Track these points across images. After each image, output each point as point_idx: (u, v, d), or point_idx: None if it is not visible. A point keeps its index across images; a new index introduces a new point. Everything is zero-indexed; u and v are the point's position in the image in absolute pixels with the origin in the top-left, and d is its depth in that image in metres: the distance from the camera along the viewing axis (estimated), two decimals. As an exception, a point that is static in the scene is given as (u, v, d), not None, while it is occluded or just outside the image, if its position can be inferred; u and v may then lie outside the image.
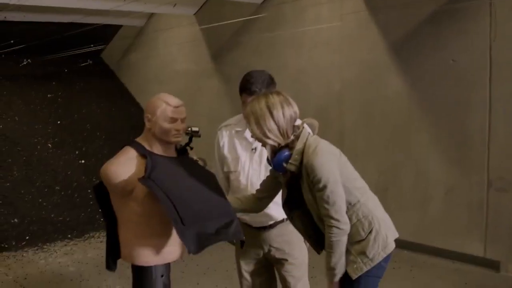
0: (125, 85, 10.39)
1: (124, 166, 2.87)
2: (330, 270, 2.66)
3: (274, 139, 2.64)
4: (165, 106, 2.92)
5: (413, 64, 5.84)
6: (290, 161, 2.63)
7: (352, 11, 6.31)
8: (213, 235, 2.77)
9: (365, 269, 2.66)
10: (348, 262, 2.68)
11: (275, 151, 2.69)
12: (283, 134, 2.64)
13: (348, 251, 2.67)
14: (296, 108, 2.67)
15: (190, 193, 2.83)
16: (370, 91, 6.26)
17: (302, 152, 2.62)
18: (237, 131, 3.35)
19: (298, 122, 2.75)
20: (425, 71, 5.73)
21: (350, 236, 2.65)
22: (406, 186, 6.01)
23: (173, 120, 2.92)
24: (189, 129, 3.09)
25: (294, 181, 2.74)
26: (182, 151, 3.14)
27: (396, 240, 6.06)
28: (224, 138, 3.40)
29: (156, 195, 2.70)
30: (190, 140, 3.17)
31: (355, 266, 2.66)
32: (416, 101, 5.85)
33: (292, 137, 2.65)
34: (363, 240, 2.66)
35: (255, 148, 3.27)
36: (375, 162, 6.23)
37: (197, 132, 3.13)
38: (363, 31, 6.27)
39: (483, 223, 5.36)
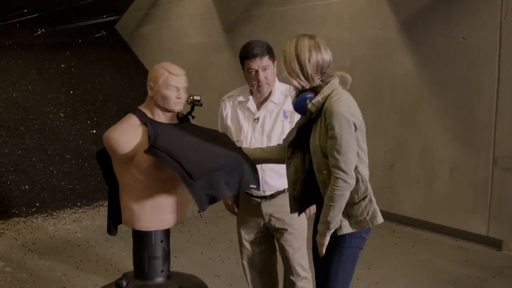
0: (138, 57, 10.42)
1: (126, 133, 2.93)
2: (325, 223, 2.64)
3: (298, 81, 2.66)
4: (167, 75, 2.97)
5: (423, 41, 5.81)
6: (312, 101, 2.64)
7: (364, -14, 6.28)
8: (223, 186, 2.82)
9: (347, 231, 2.68)
10: None
11: (298, 93, 2.72)
12: (307, 77, 2.64)
13: None
14: (326, 56, 2.65)
15: (195, 150, 2.89)
16: (379, 68, 6.25)
17: (327, 98, 2.63)
18: (239, 102, 3.40)
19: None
20: (435, 49, 5.70)
21: None
22: (413, 163, 6.02)
23: (175, 88, 2.97)
24: (191, 98, 3.13)
25: (307, 127, 2.75)
26: (184, 120, 3.19)
27: (400, 216, 6.09)
28: (227, 109, 3.45)
29: (163, 160, 2.76)
30: (192, 109, 3.22)
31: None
32: (425, 79, 5.83)
33: (318, 82, 2.66)
34: (355, 203, 2.68)
35: (257, 118, 3.32)
36: (383, 138, 6.25)
37: (198, 100, 3.16)
38: (374, 7, 6.24)
39: (487, 201, 5.38)
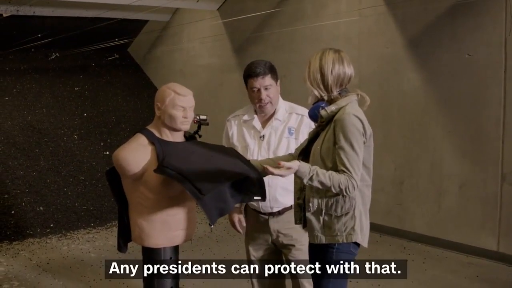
0: (151, 79, 10.57)
1: (134, 152, 3.01)
2: (310, 177, 2.61)
3: (318, 91, 2.77)
4: (173, 95, 3.05)
5: (429, 59, 5.88)
6: (326, 108, 2.73)
7: (370, 5, 6.36)
8: (229, 198, 2.90)
9: (321, 241, 2.76)
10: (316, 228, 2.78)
11: (316, 102, 2.82)
12: (327, 88, 2.76)
13: (320, 218, 2.76)
14: (348, 70, 2.77)
15: (202, 165, 2.94)
16: (387, 85, 6.32)
17: (340, 109, 2.71)
18: (245, 121, 3.48)
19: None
20: (442, 65, 5.77)
21: (329, 206, 2.73)
22: (422, 179, 6.05)
23: (181, 108, 3.04)
24: (197, 117, 3.21)
25: (317, 135, 2.83)
26: (190, 139, 3.26)
27: (411, 233, 6.06)
28: (233, 128, 3.53)
29: (172, 178, 2.83)
30: (199, 128, 3.29)
31: (315, 233, 2.79)
32: (432, 95, 5.89)
33: (336, 94, 2.76)
34: (336, 217, 2.73)
35: (263, 136, 3.39)
36: (392, 155, 6.28)
37: (205, 120, 3.24)
38: (381, 26, 6.32)
39: (496, 217, 5.38)
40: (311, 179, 2.61)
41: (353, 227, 2.73)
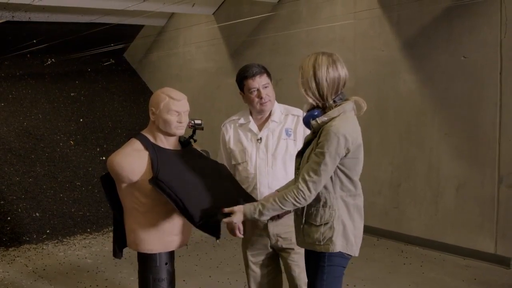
0: (147, 84, 10.55)
1: (129, 157, 2.99)
2: (258, 212, 2.70)
3: (312, 97, 2.69)
4: (168, 100, 3.04)
5: (425, 60, 5.88)
6: (317, 119, 2.67)
7: (365, 8, 6.36)
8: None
9: (303, 246, 2.81)
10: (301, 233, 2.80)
11: (311, 109, 2.76)
12: (322, 95, 2.67)
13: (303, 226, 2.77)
14: (342, 73, 2.68)
15: (197, 187, 2.96)
16: (383, 87, 6.31)
17: (331, 119, 2.65)
18: (241, 124, 3.47)
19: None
20: (438, 67, 5.77)
21: (308, 215, 2.74)
22: (419, 181, 6.04)
23: (176, 113, 3.03)
24: (192, 121, 3.20)
25: (311, 141, 2.80)
26: (186, 144, 3.24)
27: (408, 236, 6.06)
28: (229, 132, 3.51)
29: (166, 197, 2.84)
30: (194, 132, 3.28)
31: (298, 239, 2.83)
32: (428, 97, 5.88)
33: (331, 102, 2.68)
34: (315, 226, 2.72)
35: (260, 138, 3.38)
36: (389, 158, 6.28)
37: (200, 124, 3.23)
38: (376, 28, 6.32)
39: (493, 219, 5.38)
40: (260, 213, 2.70)
41: (331, 237, 2.70)
